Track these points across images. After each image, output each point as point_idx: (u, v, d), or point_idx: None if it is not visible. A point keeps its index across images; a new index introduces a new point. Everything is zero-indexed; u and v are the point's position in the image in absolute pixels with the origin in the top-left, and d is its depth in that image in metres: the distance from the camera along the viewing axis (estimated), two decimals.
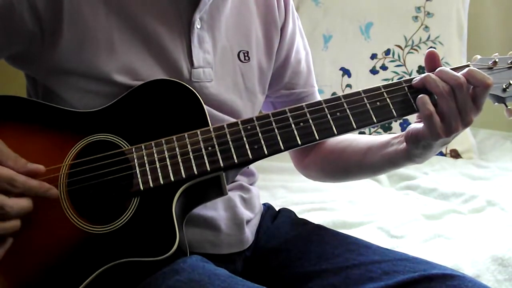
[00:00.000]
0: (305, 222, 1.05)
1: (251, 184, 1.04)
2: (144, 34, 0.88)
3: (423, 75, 0.85)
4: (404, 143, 0.88)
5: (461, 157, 2.11)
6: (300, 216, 1.08)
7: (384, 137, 0.96)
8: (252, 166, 1.05)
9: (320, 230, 1.01)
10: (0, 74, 1.55)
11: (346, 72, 2.25)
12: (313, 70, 1.12)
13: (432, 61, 0.88)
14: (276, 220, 1.06)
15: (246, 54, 0.98)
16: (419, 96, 0.83)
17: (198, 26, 0.91)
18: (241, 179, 1.01)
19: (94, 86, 0.86)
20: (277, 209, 1.11)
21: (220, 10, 0.95)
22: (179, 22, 0.90)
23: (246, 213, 0.98)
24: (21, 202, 0.75)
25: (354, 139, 1.04)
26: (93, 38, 0.85)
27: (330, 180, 1.14)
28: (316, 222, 1.04)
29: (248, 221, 0.98)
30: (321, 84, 2.23)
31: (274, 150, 0.83)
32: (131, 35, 0.87)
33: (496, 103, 0.91)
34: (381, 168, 0.98)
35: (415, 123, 0.87)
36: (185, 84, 0.86)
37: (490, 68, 0.90)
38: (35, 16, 0.84)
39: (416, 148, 0.86)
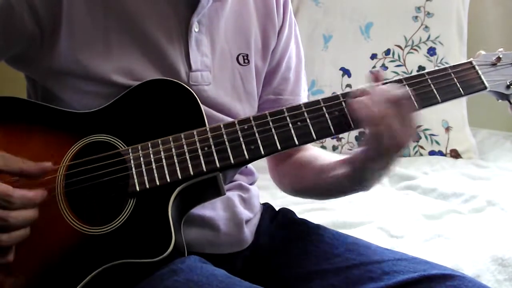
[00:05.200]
0: (305, 222, 1.04)
1: (250, 184, 1.04)
2: (142, 36, 0.88)
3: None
4: (348, 167, 0.87)
5: (461, 157, 2.11)
6: (300, 216, 1.08)
7: (341, 157, 0.93)
8: (251, 166, 1.05)
9: (320, 230, 1.01)
10: (0, 75, 1.55)
11: (346, 72, 2.25)
12: (302, 80, 1.10)
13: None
14: (276, 220, 1.05)
15: (245, 57, 0.98)
16: (362, 113, 0.80)
17: (196, 30, 0.91)
18: (240, 179, 1.01)
19: (92, 87, 0.86)
20: (277, 209, 1.11)
21: (219, 14, 0.94)
22: (177, 25, 0.90)
23: (245, 213, 0.98)
24: (24, 213, 0.74)
25: (317, 155, 1.01)
26: (91, 39, 0.85)
27: (295, 195, 1.10)
28: (316, 222, 1.04)
29: (247, 221, 0.98)
30: (321, 84, 2.23)
31: (271, 150, 0.82)
32: (129, 37, 0.87)
33: (500, 100, 0.89)
34: (334, 190, 0.95)
35: (358, 148, 0.85)
36: (181, 83, 0.86)
37: (493, 64, 0.88)
38: (34, 17, 0.84)
39: (360, 173, 0.85)
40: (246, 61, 0.98)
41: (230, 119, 0.92)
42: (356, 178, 0.87)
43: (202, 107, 0.85)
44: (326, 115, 0.83)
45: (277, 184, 1.11)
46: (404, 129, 0.80)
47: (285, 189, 1.09)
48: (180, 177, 0.80)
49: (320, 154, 1.02)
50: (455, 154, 2.11)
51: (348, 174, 0.88)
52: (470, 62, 0.89)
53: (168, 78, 0.86)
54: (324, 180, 0.94)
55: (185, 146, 0.81)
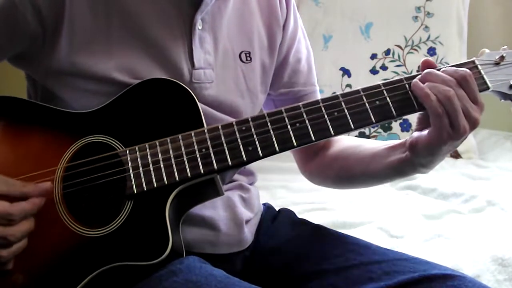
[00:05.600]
0: (305, 222, 1.04)
1: (250, 184, 1.04)
2: (144, 35, 0.87)
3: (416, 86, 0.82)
4: (407, 152, 0.86)
5: (461, 157, 2.11)
6: (300, 216, 1.08)
7: (389, 143, 0.93)
8: (251, 166, 1.04)
9: (320, 230, 1.01)
10: (0, 74, 1.55)
11: (346, 72, 2.25)
12: (314, 70, 1.11)
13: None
14: (276, 220, 1.05)
15: (247, 55, 0.98)
16: (426, 94, 0.80)
17: (200, 27, 0.91)
18: (240, 179, 1.01)
19: (93, 85, 0.86)
20: (277, 209, 1.11)
21: (222, 11, 0.94)
22: (180, 23, 0.90)
23: (245, 213, 0.97)
24: (23, 227, 0.75)
25: (358, 145, 1.02)
26: (92, 38, 0.85)
27: (335, 187, 1.11)
28: (316, 222, 1.04)
29: (247, 221, 0.98)
30: (321, 84, 2.21)
31: (269, 151, 0.81)
32: (131, 36, 0.87)
33: (503, 100, 0.88)
34: (386, 177, 0.95)
35: (417, 132, 0.85)
36: (179, 83, 0.85)
37: (497, 64, 0.86)
38: (37, 17, 0.84)
39: (422, 158, 0.84)
40: (249, 58, 0.98)
41: (231, 119, 0.92)
42: (415, 163, 0.86)
43: (203, 106, 0.85)
44: (325, 116, 0.82)
45: (313, 177, 1.10)
46: (475, 106, 0.81)
47: (324, 181, 1.09)
48: (177, 179, 0.79)
49: (360, 141, 1.02)
50: (455, 154, 2.11)
51: (405, 160, 0.86)
52: (473, 61, 0.87)
53: (166, 78, 0.86)
54: (374, 167, 0.94)
55: (182, 148, 0.81)
